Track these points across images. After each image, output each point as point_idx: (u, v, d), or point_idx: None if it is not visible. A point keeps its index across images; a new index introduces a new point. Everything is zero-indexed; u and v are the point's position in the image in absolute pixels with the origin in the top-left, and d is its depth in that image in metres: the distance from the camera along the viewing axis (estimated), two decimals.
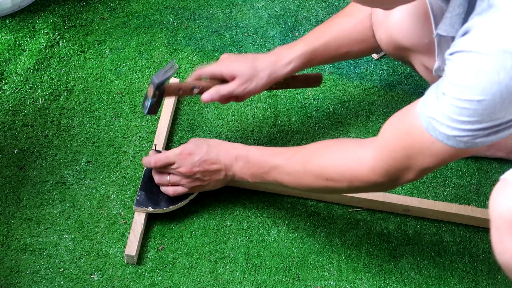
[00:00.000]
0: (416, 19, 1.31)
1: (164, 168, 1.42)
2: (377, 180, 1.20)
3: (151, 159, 1.43)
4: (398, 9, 1.30)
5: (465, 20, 1.05)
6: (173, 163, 1.41)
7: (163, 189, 1.44)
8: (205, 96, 1.43)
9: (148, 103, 1.41)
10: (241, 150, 1.39)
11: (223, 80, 1.44)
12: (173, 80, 1.65)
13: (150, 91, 1.40)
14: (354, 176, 1.22)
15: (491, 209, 1.05)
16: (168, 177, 1.42)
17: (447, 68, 1.04)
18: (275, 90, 1.70)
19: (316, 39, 1.45)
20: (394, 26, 1.34)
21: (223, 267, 1.43)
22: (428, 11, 1.20)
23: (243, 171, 1.39)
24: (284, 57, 1.44)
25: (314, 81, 1.57)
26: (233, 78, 1.42)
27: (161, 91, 1.40)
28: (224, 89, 1.42)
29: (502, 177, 1.05)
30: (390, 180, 1.19)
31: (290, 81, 1.51)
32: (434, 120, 1.05)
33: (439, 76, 1.26)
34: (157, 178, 1.44)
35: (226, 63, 1.44)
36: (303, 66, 1.46)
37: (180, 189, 1.43)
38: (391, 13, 1.33)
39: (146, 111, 1.42)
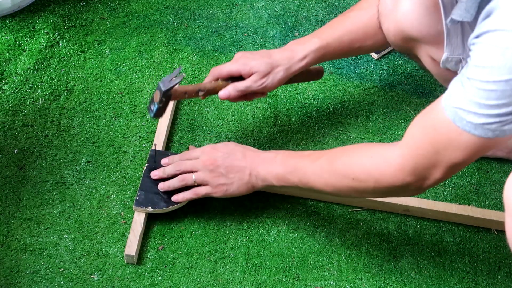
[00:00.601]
0: (425, 9, 1.30)
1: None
2: (405, 179, 1.18)
3: (179, 154, 1.44)
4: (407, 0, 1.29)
5: (480, 5, 1.04)
6: (197, 157, 1.42)
7: (186, 194, 1.43)
8: (222, 93, 1.44)
9: (154, 108, 1.42)
10: (269, 154, 1.40)
11: (237, 78, 1.45)
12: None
13: (157, 96, 1.41)
14: (381, 175, 1.21)
15: (506, 197, 1.03)
16: (193, 176, 1.41)
17: (472, 53, 1.02)
18: (275, 91, 1.70)
19: (329, 33, 1.46)
20: (403, 16, 1.33)
21: (223, 267, 1.43)
22: (437, 1, 1.19)
23: (269, 171, 1.37)
24: (299, 52, 1.45)
25: (316, 74, 1.56)
26: (250, 75, 1.44)
27: (167, 97, 1.41)
28: (241, 85, 1.44)
29: None
30: (418, 180, 1.17)
31: (292, 76, 1.52)
32: (461, 109, 1.04)
33: (446, 68, 1.26)
34: (180, 179, 1.43)
35: (243, 61, 1.45)
36: (317, 60, 1.47)
37: (202, 190, 1.41)
38: (399, 3, 1.32)
39: (152, 114, 1.43)
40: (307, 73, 1.54)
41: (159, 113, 1.43)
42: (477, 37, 1.01)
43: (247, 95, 1.47)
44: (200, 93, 1.44)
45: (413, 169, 1.16)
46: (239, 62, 1.45)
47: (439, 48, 1.26)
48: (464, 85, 1.03)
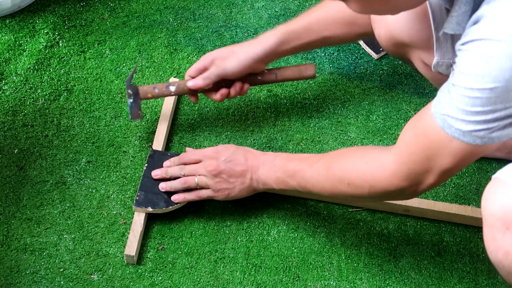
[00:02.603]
0: (414, 15, 1.31)
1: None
2: (399, 184, 1.18)
3: (179, 156, 1.46)
4: None
5: (471, 16, 1.04)
6: (199, 161, 1.43)
7: (188, 196, 1.44)
8: (190, 82, 1.50)
9: (128, 107, 1.48)
10: (269, 156, 1.40)
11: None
12: (173, 80, 1.65)
13: (127, 94, 1.48)
14: (375, 180, 1.21)
15: (484, 208, 1.04)
16: (196, 179, 1.42)
17: (457, 59, 1.03)
18: (275, 91, 1.70)
19: (297, 20, 1.48)
20: (393, 22, 1.34)
21: (223, 267, 1.43)
22: (426, 7, 1.20)
23: (269, 175, 1.38)
24: (261, 37, 1.48)
25: (307, 69, 1.56)
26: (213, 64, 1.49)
27: (133, 91, 1.47)
28: (206, 73, 1.49)
29: (494, 176, 1.05)
30: (412, 185, 1.17)
31: (281, 72, 1.55)
32: (449, 117, 1.04)
33: (438, 72, 1.26)
34: (183, 181, 1.43)
35: (205, 55, 1.51)
36: (281, 44, 1.47)
37: (204, 193, 1.42)
38: None
39: (130, 116, 1.49)
40: (296, 68, 1.55)
41: (134, 112, 1.48)
42: (463, 44, 1.02)
43: (218, 84, 1.50)
44: (171, 88, 1.50)
45: (406, 174, 1.17)
46: (203, 57, 1.51)
47: (430, 52, 1.27)
48: (450, 92, 1.04)
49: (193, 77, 1.51)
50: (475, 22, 1.00)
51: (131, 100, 1.47)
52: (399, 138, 1.19)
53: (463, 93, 1.01)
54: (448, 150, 1.08)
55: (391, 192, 1.22)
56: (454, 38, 1.19)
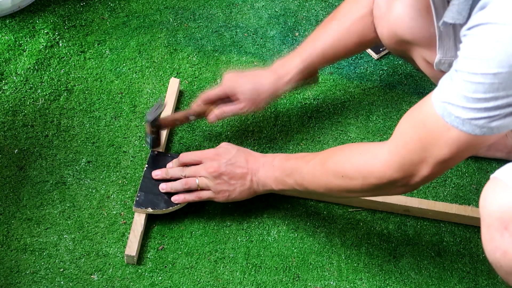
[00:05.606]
0: (417, 12, 1.30)
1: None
2: (392, 175, 1.17)
3: (179, 156, 1.46)
4: (400, 3, 1.30)
5: (472, 6, 1.04)
6: (200, 162, 1.42)
7: (188, 196, 1.44)
8: (211, 117, 1.52)
9: (149, 140, 1.51)
10: (268, 158, 1.41)
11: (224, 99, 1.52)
12: (174, 81, 1.66)
13: (148, 129, 1.49)
14: (368, 171, 1.21)
15: (482, 207, 1.04)
16: (197, 180, 1.42)
17: (462, 45, 1.02)
18: None
19: (312, 50, 1.49)
20: (396, 19, 1.34)
21: (223, 267, 1.43)
22: (429, 4, 1.20)
23: (268, 175, 1.38)
24: (284, 76, 1.50)
25: (312, 81, 1.58)
26: (236, 99, 1.50)
27: (157, 127, 1.49)
28: (228, 110, 1.51)
29: (492, 176, 1.05)
30: (405, 176, 1.16)
31: None
32: (449, 104, 1.03)
33: (440, 70, 1.26)
34: (184, 182, 1.43)
35: (230, 85, 1.50)
36: (302, 79, 1.52)
37: (205, 194, 1.43)
38: (392, 7, 1.33)
39: (149, 146, 1.52)
40: (302, 83, 1.57)
41: (155, 143, 1.52)
42: (469, 29, 1.01)
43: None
44: (191, 118, 1.52)
45: (400, 164, 1.16)
46: (226, 86, 1.50)
47: (432, 50, 1.26)
48: (452, 79, 1.03)
49: (210, 102, 1.52)
50: (482, 8, 0.99)
51: (154, 136, 1.50)
52: (396, 127, 1.17)
53: (465, 78, 1.00)
54: (445, 140, 1.07)
55: (384, 184, 1.20)
56: (456, 36, 1.19)
